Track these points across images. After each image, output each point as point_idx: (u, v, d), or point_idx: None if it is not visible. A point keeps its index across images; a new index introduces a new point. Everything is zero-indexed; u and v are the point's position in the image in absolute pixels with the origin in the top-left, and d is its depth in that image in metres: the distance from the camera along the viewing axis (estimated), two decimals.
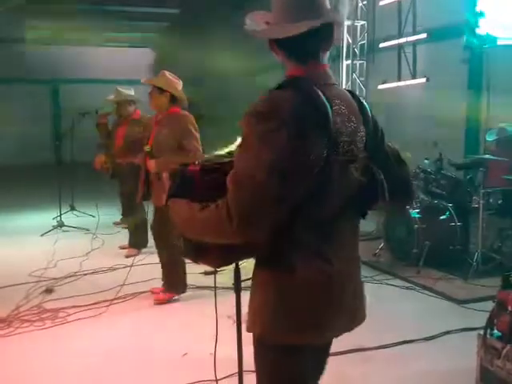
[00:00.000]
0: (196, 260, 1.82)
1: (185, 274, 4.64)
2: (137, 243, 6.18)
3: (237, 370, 2.07)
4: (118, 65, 17.93)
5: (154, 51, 20.18)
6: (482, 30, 6.59)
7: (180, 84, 4.48)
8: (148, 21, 16.04)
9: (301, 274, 1.61)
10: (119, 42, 18.65)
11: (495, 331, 2.76)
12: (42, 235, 7.07)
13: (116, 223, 7.51)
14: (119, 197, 7.34)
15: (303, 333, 1.66)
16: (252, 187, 1.44)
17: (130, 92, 6.11)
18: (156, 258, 5.08)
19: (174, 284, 4.61)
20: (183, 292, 4.65)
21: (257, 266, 1.71)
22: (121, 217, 7.54)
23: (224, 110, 15.25)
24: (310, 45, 1.62)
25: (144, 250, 6.14)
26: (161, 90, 4.40)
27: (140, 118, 6.03)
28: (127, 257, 5.96)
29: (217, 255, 1.72)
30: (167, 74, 4.47)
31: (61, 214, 7.54)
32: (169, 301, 4.59)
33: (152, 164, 4.39)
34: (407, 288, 4.91)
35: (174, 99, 4.43)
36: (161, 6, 14.32)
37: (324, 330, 1.70)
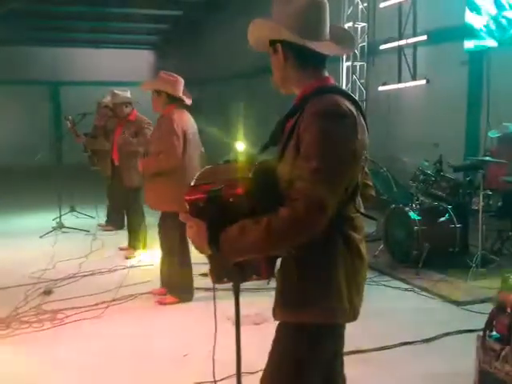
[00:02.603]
0: (245, 280, 1.86)
1: (192, 280, 4.62)
2: (136, 244, 6.18)
3: (235, 372, 2.07)
4: (118, 67, 17.96)
5: (155, 53, 20.24)
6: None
7: (177, 80, 4.45)
8: (149, 23, 16.05)
9: (358, 255, 1.80)
10: (120, 43, 18.68)
11: (494, 333, 2.75)
12: (41, 237, 7.06)
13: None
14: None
15: (356, 312, 1.81)
16: (333, 178, 1.62)
17: (126, 94, 6.13)
18: (155, 260, 5.09)
19: (182, 290, 4.58)
20: (189, 299, 4.59)
21: (302, 259, 1.74)
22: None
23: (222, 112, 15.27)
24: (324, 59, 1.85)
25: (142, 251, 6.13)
26: (158, 92, 4.41)
27: (136, 119, 6.02)
28: (127, 258, 5.96)
29: (266, 265, 1.75)
30: (162, 74, 4.48)
31: (60, 216, 7.54)
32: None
33: (140, 163, 4.46)
34: (406, 290, 4.91)
35: (173, 99, 4.43)
36: (162, 8, 14.32)
37: (359, 309, 1.85)
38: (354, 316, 1.81)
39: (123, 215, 6.79)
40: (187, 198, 1.76)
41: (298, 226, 1.60)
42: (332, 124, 1.64)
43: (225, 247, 1.67)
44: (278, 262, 1.86)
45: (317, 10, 1.80)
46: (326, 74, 1.85)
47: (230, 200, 1.67)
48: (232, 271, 1.78)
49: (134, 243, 6.19)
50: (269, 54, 1.89)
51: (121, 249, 6.28)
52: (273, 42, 1.84)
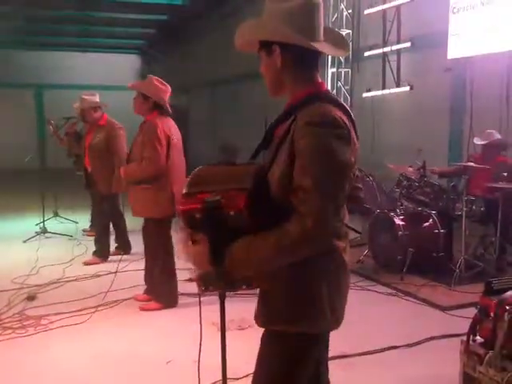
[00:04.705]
0: (235, 290, 1.88)
1: (176, 287, 4.59)
2: (99, 251, 6.08)
3: (221, 378, 2.07)
4: (104, 71, 17.89)
5: (141, 58, 20.19)
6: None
7: (168, 90, 4.42)
8: (135, 27, 16.02)
9: (341, 264, 1.79)
10: (105, 48, 18.61)
11: (478, 337, 2.78)
12: (24, 242, 6.99)
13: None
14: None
15: (339, 320, 1.81)
16: (333, 190, 1.61)
17: (95, 98, 6.04)
18: (139, 265, 5.06)
19: (166, 296, 4.56)
20: (174, 306, 4.56)
21: (286, 268, 1.71)
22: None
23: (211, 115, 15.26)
24: (318, 62, 1.82)
25: (126, 257, 6.03)
26: (145, 96, 4.36)
27: (106, 123, 5.94)
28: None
29: (257, 277, 1.74)
30: (154, 79, 4.42)
31: (44, 220, 7.47)
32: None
33: (122, 170, 4.41)
34: (391, 294, 4.93)
35: (158, 106, 4.39)
36: (148, 13, 14.31)
37: (342, 316, 1.85)
38: (336, 324, 1.82)
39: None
40: (181, 208, 1.68)
41: (307, 244, 1.60)
42: (329, 135, 1.62)
43: (231, 264, 1.65)
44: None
45: (314, 9, 1.74)
46: (319, 78, 1.81)
47: (231, 213, 1.61)
48: (220, 281, 1.75)
49: (97, 249, 6.08)
50: (258, 56, 1.82)
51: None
52: (267, 44, 1.76)
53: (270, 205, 1.67)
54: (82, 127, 7.13)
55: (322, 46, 1.76)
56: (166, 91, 4.41)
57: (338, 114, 1.67)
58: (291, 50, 1.73)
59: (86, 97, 6.01)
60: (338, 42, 1.86)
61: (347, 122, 1.68)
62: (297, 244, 1.59)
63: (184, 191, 1.72)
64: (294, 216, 1.59)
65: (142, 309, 4.54)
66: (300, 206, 1.59)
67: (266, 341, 1.84)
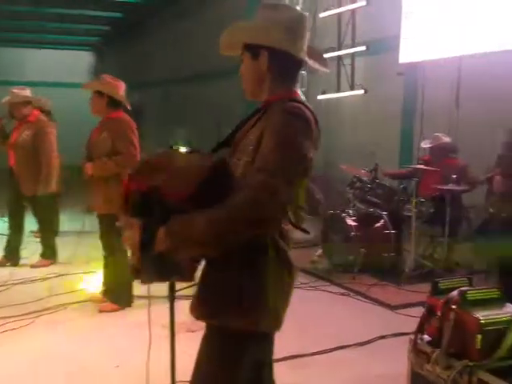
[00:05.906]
0: (169, 279, 1.80)
1: (131, 286, 4.50)
2: (46, 253, 5.89)
3: (170, 381, 2.03)
4: (56, 67, 17.46)
5: (95, 54, 19.82)
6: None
7: (121, 85, 4.40)
8: (89, 24, 15.71)
9: (288, 266, 1.78)
10: (59, 44, 18.18)
11: (425, 336, 2.83)
12: None
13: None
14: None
15: (280, 322, 1.79)
16: (289, 176, 1.62)
17: (26, 93, 5.73)
18: (88, 268, 4.94)
19: (120, 296, 4.48)
20: (129, 305, 4.49)
21: (232, 264, 1.71)
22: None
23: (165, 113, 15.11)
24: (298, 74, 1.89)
25: (75, 259, 5.86)
26: (100, 94, 4.31)
27: (36, 119, 5.67)
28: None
29: (191, 266, 1.71)
30: (106, 77, 4.41)
31: None
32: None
33: (89, 167, 4.30)
34: (343, 294, 5.00)
35: (114, 103, 4.35)
36: (103, 10, 14.06)
37: (283, 319, 1.82)
38: (277, 326, 1.80)
39: (57, 222, 6.53)
40: (124, 189, 1.67)
41: (254, 207, 1.55)
42: (295, 127, 1.67)
43: (169, 240, 1.56)
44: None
45: (305, 24, 1.82)
46: (298, 88, 1.86)
47: (170, 201, 1.58)
48: (150, 268, 1.66)
49: (45, 252, 5.91)
50: (240, 59, 1.85)
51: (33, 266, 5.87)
52: (254, 47, 1.79)
53: (225, 194, 1.62)
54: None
55: (307, 58, 1.83)
56: (119, 86, 4.39)
57: (307, 112, 1.73)
58: (279, 56, 1.77)
59: (15, 91, 5.69)
60: (320, 59, 1.94)
61: (313, 121, 1.74)
62: (244, 206, 1.55)
63: (130, 172, 1.72)
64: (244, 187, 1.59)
65: (100, 310, 4.44)
66: (252, 180, 1.59)
67: (208, 333, 1.84)
